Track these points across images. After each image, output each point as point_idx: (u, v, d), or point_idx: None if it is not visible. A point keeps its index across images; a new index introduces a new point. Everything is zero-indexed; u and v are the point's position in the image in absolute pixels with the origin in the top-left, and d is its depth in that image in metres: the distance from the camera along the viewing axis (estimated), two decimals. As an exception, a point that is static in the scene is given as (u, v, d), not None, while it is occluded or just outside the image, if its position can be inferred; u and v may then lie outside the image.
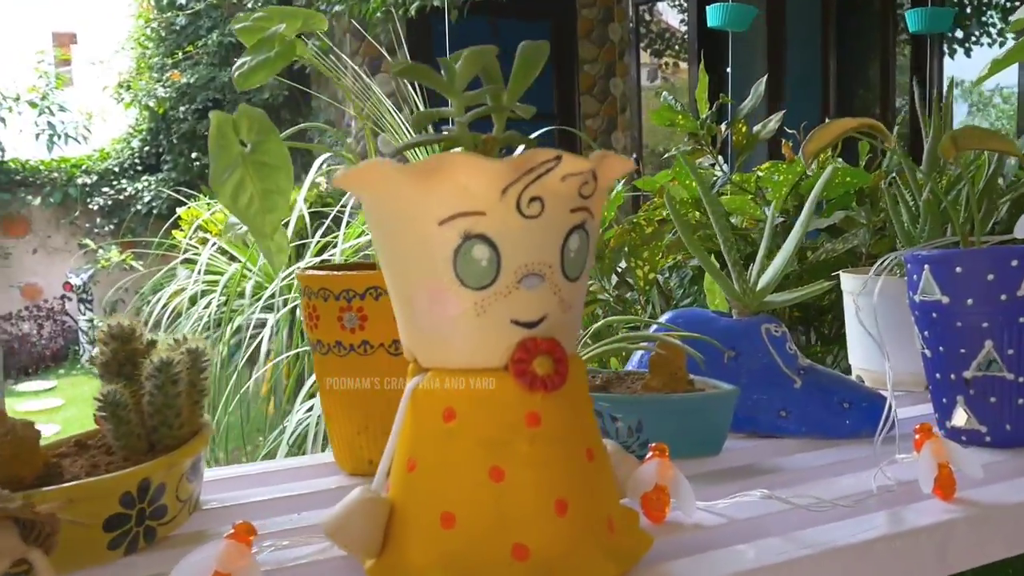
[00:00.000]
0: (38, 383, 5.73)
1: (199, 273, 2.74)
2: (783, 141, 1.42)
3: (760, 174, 1.07)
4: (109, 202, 6.58)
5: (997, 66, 0.97)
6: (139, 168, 6.61)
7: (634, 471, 0.51)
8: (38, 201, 6.54)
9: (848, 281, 0.85)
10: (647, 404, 0.62)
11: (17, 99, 6.57)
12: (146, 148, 6.53)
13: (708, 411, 0.63)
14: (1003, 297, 0.61)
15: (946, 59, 3.88)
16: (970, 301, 0.62)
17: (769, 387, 0.70)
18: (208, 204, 3.05)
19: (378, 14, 3.94)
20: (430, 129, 0.48)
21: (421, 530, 0.43)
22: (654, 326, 0.75)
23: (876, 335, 0.64)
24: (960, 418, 0.65)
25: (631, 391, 0.66)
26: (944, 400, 0.66)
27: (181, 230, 3.40)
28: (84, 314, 6.40)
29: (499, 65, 0.47)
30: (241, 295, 2.43)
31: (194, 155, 5.98)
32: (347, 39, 4.93)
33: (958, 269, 0.62)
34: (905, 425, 0.70)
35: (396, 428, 0.45)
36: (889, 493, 0.54)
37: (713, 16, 1.35)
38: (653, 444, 0.52)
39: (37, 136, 6.54)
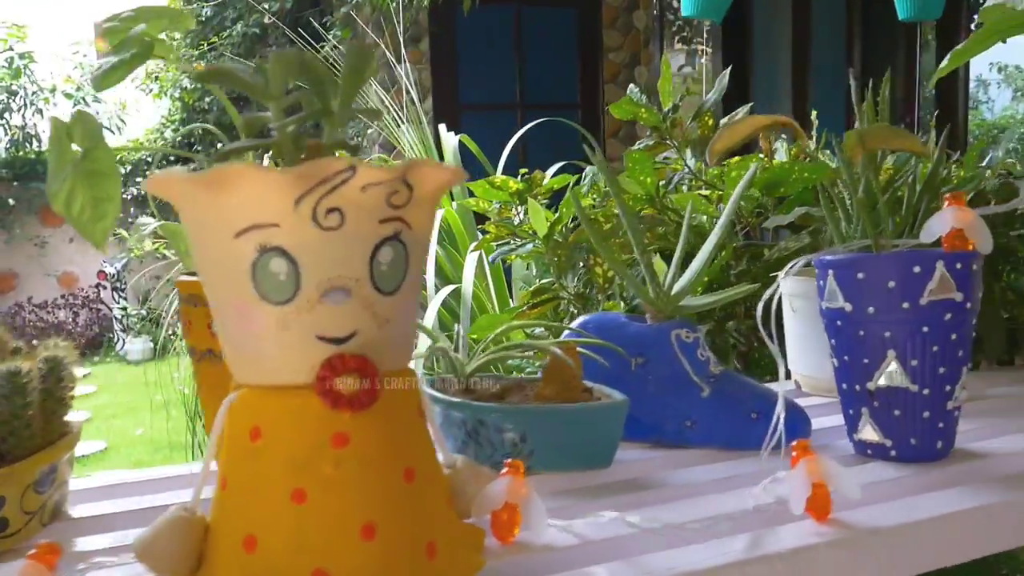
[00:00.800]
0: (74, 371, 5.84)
1: None
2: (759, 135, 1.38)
3: (715, 171, 1.04)
4: (143, 192, 6.68)
5: (957, 57, 0.92)
6: (172, 159, 6.70)
7: (484, 488, 0.49)
8: (74, 191, 6.66)
9: (785, 283, 0.82)
10: (531, 415, 0.60)
11: (53, 90, 6.70)
12: (179, 139, 6.62)
13: (595, 422, 0.61)
14: (905, 305, 0.58)
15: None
16: (872, 309, 0.59)
17: (676, 395, 0.67)
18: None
19: (393, 3, 3.91)
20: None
21: (226, 552, 0.42)
22: (565, 331, 0.73)
23: (774, 341, 0.61)
24: (866, 431, 0.61)
25: (527, 400, 0.64)
26: (851, 412, 0.62)
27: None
28: (118, 302, 6.52)
29: (323, 68, 0.45)
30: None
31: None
32: (369, 29, 4.93)
33: (860, 275, 0.59)
34: (822, 437, 0.68)
35: (210, 446, 0.44)
36: (761, 513, 0.52)
37: (687, 5, 1.31)
38: (508, 460, 0.50)
39: (72, 127, 6.65)
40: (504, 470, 0.50)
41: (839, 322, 0.61)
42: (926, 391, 0.59)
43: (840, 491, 0.51)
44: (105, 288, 6.69)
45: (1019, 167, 1.09)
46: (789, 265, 0.63)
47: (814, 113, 1.25)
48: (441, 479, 0.46)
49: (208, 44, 4.81)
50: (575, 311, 1.13)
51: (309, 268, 0.40)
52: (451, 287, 1.65)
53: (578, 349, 0.69)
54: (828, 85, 4.25)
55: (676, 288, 0.71)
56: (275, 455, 0.41)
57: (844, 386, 0.62)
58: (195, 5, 4.88)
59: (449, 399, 0.63)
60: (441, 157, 2.15)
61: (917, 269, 0.57)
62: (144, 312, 6.15)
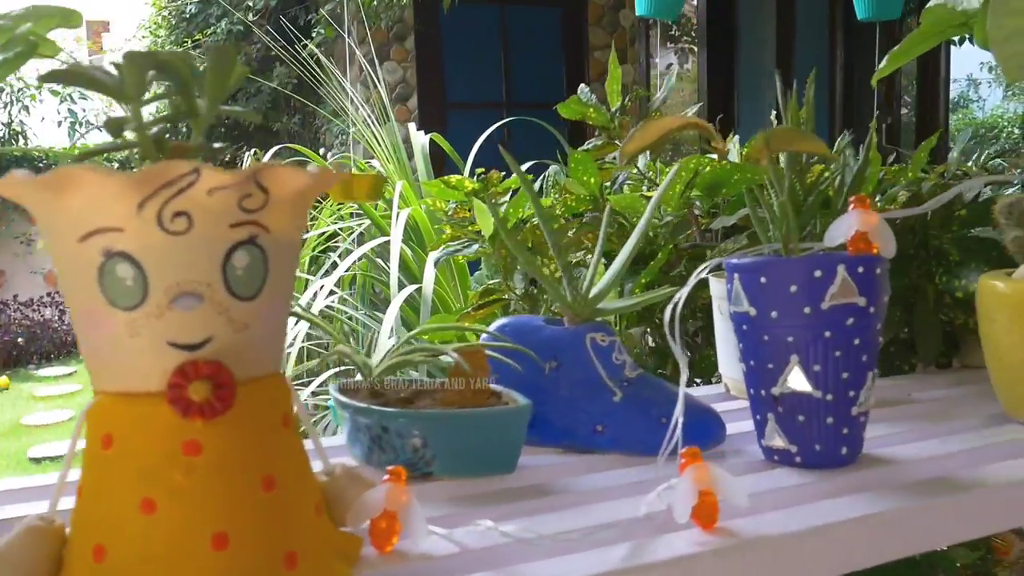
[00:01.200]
0: (59, 368, 5.82)
1: None
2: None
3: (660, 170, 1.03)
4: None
5: (896, 58, 0.92)
6: (160, 156, 6.68)
7: (362, 496, 0.48)
8: (60, 189, 6.64)
9: (714, 285, 0.81)
10: (431, 420, 0.59)
11: (40, 87, 6.67)
12: (167, 135, 6.59)
13: (496, 427, 0.60)
14: (807, 310, 0.57)
15: (954, 48, 3.76)
16: (775, 314, 0.58)
17: (588, 400, 0.66)
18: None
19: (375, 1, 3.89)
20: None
21: (77, 562, 0.41)
22: (484, 334, 0.72)
23: (676, 342, 0.60)
24: (772, 437, 0.61)
25: (435, 404, 0.63)
26: (759, 417, 0.62)
27: None
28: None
29: (185, 69, 0.44)
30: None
31: (215, 144, 6.03)
32: (355, 26, 4.92)
33: (763, 280, 0.58)
34: (739, 441, 0.67)
35: (68, 453, 0.43)
36: (651, 521, 0.51)
37: (640, 5, 1.30)
38: (390, 468, 0.49)
39: (59, 124, 6.64)
40: (385, 477, 0.49)
41: (745, 326, 0.60)
42: (829, 397, 0.58)
43: (728, 499, 0.50)
44: (91, 286, 6.66)
45: (1007, 167, 1.09)
46: (699, 269, 0.63)
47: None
48: (310, 487, 0.45)
49: (192, 41, 4.80)
50: (524, 312, 1.13)
51: (156, 273, 0.39)
52: (413, 287, 1.64)
53: (488, 353, 0.68)
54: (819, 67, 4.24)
55: (594, 291, 0.70)
56: (126, 463, 0.40)
57: (752, 391, 0.61)
58: (179, 2, 4.86)
59: (354, 404, 0.62)
60: (410, 156, 2.14)
61: (818, 273, 0.56)
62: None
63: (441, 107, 5.05)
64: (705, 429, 0.65)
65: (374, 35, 4.96)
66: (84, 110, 6.70)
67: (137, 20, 5.63)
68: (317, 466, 0.48)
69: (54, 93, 6.70)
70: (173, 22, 4.97)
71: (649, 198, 1.06)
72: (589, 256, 1.10)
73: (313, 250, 2.12)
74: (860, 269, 0.56)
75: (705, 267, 0.62)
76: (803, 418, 0.59)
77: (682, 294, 0.63)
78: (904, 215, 0.61)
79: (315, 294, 1.69)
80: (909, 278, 0.87)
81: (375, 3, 3.89)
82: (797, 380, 0.58)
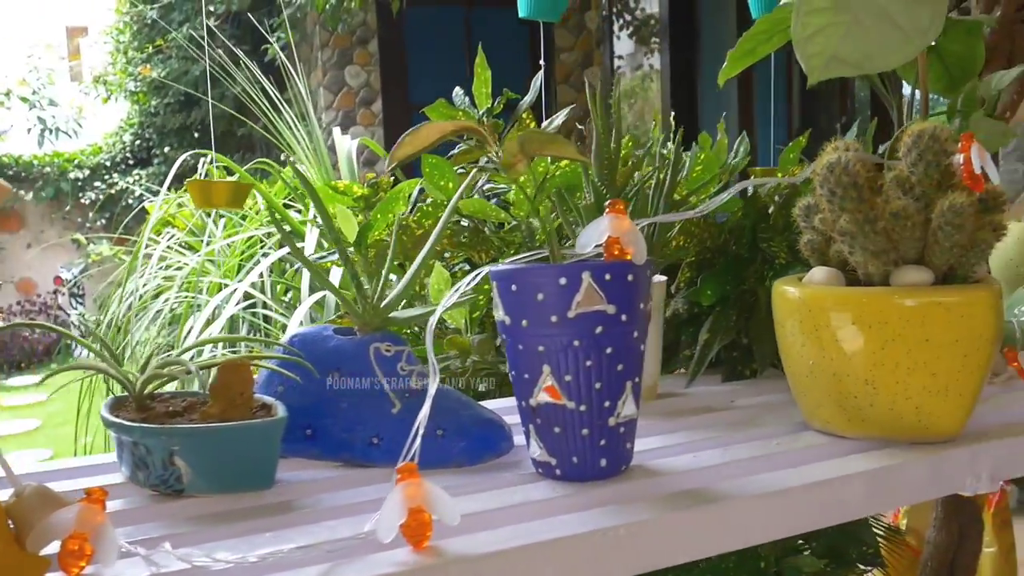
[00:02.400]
0: (29, 378, 5.79)
1: (160, 268, 2.73)
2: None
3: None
4: (101, 196, 6.63)
5: (736, 60, 0.90)
6: (131, 162, 6.65)
7: (50, 517, 0.46)
8: (30, 196, 6.61)
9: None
10: (177, 436, 0.57)
11: (8, 94, 6.64)
12: (137, 142, 6.57)
13: (245, 442, 0.58)
14: (554, 319, 0.55)
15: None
16: (525, 322, 0.56)
17: (367, 412, 0.65)
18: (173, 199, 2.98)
19: (328, 5, 3.87)
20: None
21: None
22: (277, 347, 0.70)
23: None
24: (535, 449, 0.59)
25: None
26: (525, 429, 0.60)
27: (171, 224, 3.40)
28: (76, 308, 6.47)
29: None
30: (199, 290, 2.41)
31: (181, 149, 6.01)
32: (317, 30, 4.90)
33: (513, 288, 0.56)
34: (524, 453, 0.65)
35: None
36: (367, 540, 0.49)
37: (521, 6, 1.28)
38: (88, 488, 0.47)
39: (28, 131, 6.61)
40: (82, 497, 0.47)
41: (504, 335, 0.59)
42: (583, 407, 0.56)
43: (441, 517, 0.48)
44: (63, 294, 6.64)
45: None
46: (471, 276, 0.61)
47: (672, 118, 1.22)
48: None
49: (154, 47, 4.77)
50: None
51: None
52: (319, 294, 1.63)
53: (270, 365, 0.67)
54: (769, 75, 4.24)
55: (385, 300, 0.69)
56: None
57: (518, 402, 0.60)
58: (140, 8, 4.84)
59: (113, 421, 0.60)
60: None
61: (563, 281, 0.55)
62: (101, 318, 6.11)
63: (405, 109, 5.03)
64: (484, 440, 0.64)
65: (337, 39, 4.95)
66: (54, 117, 6.68)
67: (102, 26, 5.60)
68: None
69: (23, 100, 6.67)
70: (135, 28, 4.95)
71: (506, 203, 1.04)
72: (457, 263, 1.08)
73: (240, 256, 2.10)
74: (608, 276, 0.55)
75: (477, 274, 0.61)
76: (559, 430, 0.57)
77: (447, 302, 0.61)
78: (672, 219, 0.60)
79: (227, 298, 1.67)
80: (747, 283, 0.86)
81: (328, 7, 3.86)
82: (549, 390, 0.57)
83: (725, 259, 0.87)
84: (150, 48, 4.86)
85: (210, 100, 1.87)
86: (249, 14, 4.52)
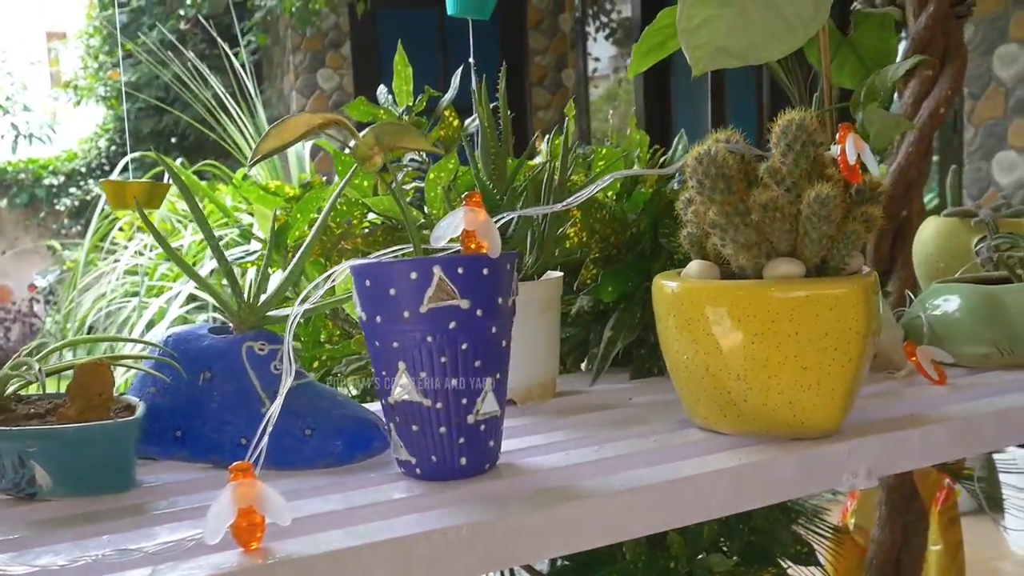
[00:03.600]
0: (4, 385, 5.73)
1: (129, 273, 2.70)
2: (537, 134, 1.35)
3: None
4: (76, 203, 6.59)
5: (642, 55, 0.89)
6: (106, 168, 6.61)
7: None
8: (5, 203, 6.56)
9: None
10: (28, 437, 0.56)
11: (-20, 99, 6.59)
12: (113, 148, 6.53)
13: (99, 443, 0.57)
14: (406, 314, 0.54)
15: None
16: (379, 318, 0.55)
17: (237, 412, 0.63)
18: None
19: (295, 7, 3.86)
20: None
21: None
22: (152, 347, 0.69)
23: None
24: (397, 448, 0.58)
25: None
26: (387, 428, 0.59)
27: (122, 230, 3.37)
28: (50, 315, 6.41)
29: None
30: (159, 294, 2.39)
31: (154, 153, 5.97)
32: (288, 34, 4.88)
33: (367, 283, 0.55)
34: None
35: None
36: (191, 544, 0.48)
37: (449, 5, 1.27)
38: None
39: (2, 137, 6.56)
40: None
41: (364, 333, 0.57)
42: (439, 405, 0.55)
43: (273, 518, 0.47)
44: (38, 301, 6.58)
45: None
46: (333, 271, 0.60)
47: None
48: None
49: (124, 50, 4.75)
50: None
51: None
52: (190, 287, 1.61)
53: (138, 365, 0.65)
54: (744, 82, 4.25)
55: (263, 297, 0.67)
56: None
57: (380, 400, 0.58)
58: (110, 12, 4.81)
59: (-31, 422, 0.58)
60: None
61: (414, 275, 0.53)
62: (75, 325, 6.06)
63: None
64: (357, 439, 0.62)
65: (308, 42, 4.93)
66: (27, 122, 6.63)
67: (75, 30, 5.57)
68: None
69: (-1, 107, 6.62)
70: (105, 32, 4.92)
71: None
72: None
73: (194, 258, 2.08)
74: (460, 270, 0.54)
75: (338, 269, 0.59)
76: (416, 428, 0.56)
77: (313, 299, 0.60)
78: (537, 212, 0.58)
79: (170, 300, 1.65)
80: (651, 279, 0.85)
81: (294, 9, 3.85)
82: (406, 388, 0.55)
83: (630, 256, 0.86)
84: (120, 52, 4.83)
85: (192, 107, 1.86)
86: (210, 20, 4.50)
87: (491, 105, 0.80)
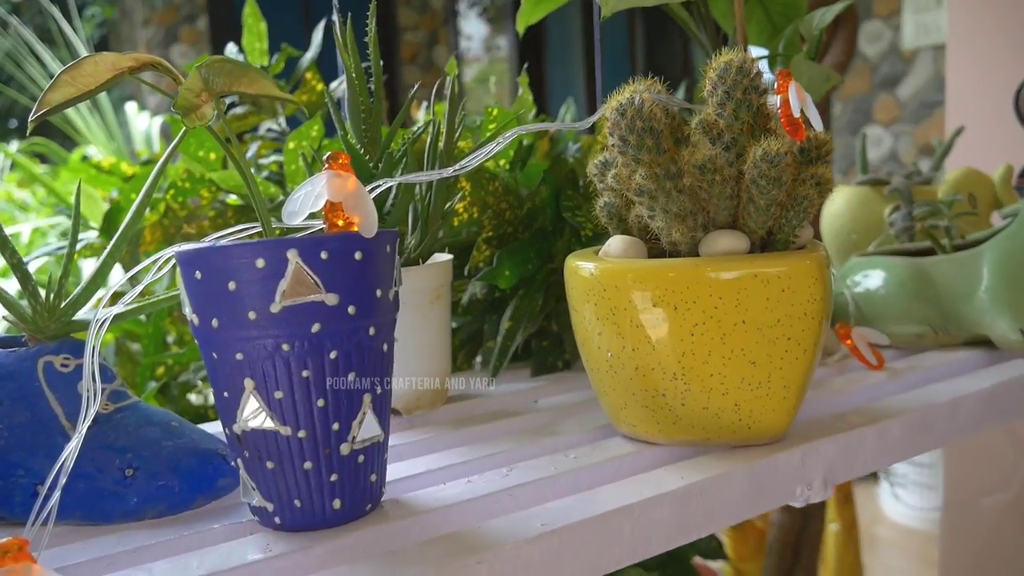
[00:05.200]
0: None
1: None
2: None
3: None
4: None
5: (532, 5, 0.77)
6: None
7: None
8: None
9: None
10: None
11: None
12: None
13: None
14: (252, 315, 0.40)
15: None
16: (216, 322, 0.41)
17: (32, 450, 0.48)
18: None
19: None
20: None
21: None
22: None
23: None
24: (247, 491, 0.44)
25: None
26: (233, 464, 0.45)
27: None
28: None
29: None
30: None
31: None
32: (138, 5, 4.52)
33: (198, 274, 0.41)
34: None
35: None
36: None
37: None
38: None
39: None
40: None
41: (196, 340, 0.43)
42: (302, 433, 0.42)
43: None
44: None
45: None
46: (152, 259, 0.45)
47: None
48: None
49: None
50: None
51: None
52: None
53: None
54: (618, 54, 4.21)
55: (68, 299, 0.52)
56: None
57: (223, 429, 0.45)
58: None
59: None
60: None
61: (261, 263, 0.40)
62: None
63: (241, 92, 4.72)
64: (194, 478, 0.48)
65: (161, 15, 4.58)
66: None
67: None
68: None
69: None
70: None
71: (276, 175, 0.88)
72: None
73: (26, 250, 1.83)
74: (324, 254, 0.40)
75: (160, 257, 0.45)
76: (273, 465, 0.42)
77: (128, 297, 0.45)
78: (420, 179, 0.46)
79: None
80: (554, 260, 0.73)
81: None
82: (255, 413, 0.42)
83: (529, 234, 0.74)
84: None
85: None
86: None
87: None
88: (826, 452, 0.52)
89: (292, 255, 0.40)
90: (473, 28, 5.31)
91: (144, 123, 1.86)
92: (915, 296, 0.74)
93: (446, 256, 0.65)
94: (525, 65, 0.95)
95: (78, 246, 0.94)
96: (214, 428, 0.62)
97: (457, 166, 0.47)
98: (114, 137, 1.88)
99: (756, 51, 0.83)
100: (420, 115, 1.06)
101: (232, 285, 0.40)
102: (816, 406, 0.60)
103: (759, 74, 0.49)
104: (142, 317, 0.90)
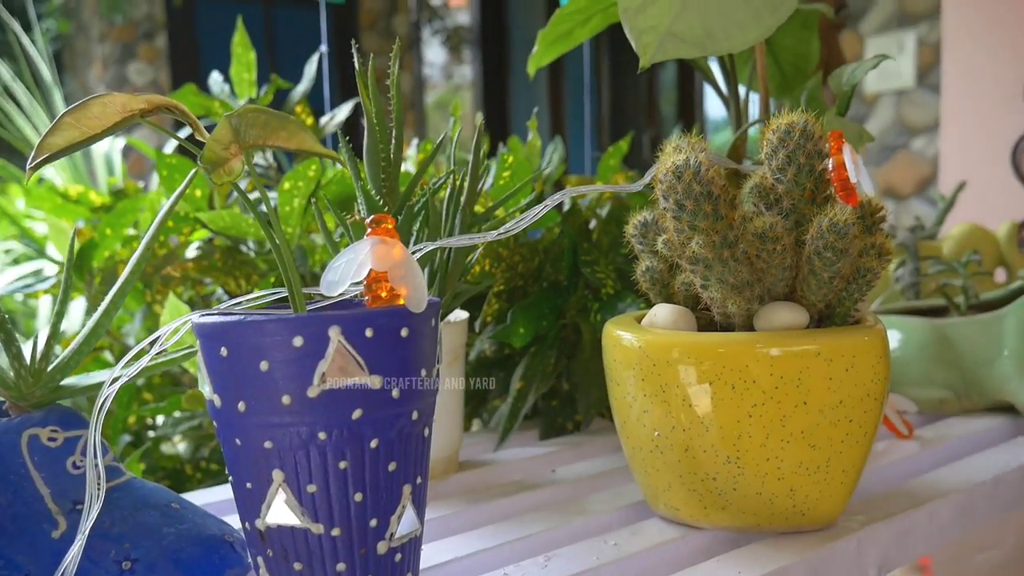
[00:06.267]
0: None
1: None
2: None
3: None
4: None
5: (547, 46, 0.74)
6: None
7: None
8: None
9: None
10: None
11: None
12: None
13: None
14: (286, 400, 0.36)
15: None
16: (243, 405, 0.36)
17: (15, 538, 0.42)
18: None
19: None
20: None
21: None
22: None
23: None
24: (267, 592, 0.39)
25: None
26: (252, 563, 0.40)
27: None
28: None
29: None
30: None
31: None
32: (95, 20, 4.41)
33: (224, 351, 0.36)
34: None
35: None
36: None
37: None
38: None
39: None
40: None
41: (216, 423, 0.39)
42: (336, 531, 0.37)
43: None
44: None
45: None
46: (162, 331, 0.40)
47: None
48: None
49: None
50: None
51: None
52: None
53: None
54: (579, 85, 4.22)
55: (55, 362, 0.46)
56: None
57: (241, 523, 0.40)
58: None
59: None
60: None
61: (299, 341, 0.35)
62: None
63: (199, 113, 4.63)
64: (198, 570, 0.43)
65: (119, 32, 4.48)
66: None
67: None
68: None
69: None
70: None
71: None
72: (210, 293, 0.85)
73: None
74: (369, 332, 0.36)
75: (170, 328, 0.40)
76: (301, 566, 0.37)
77: (141, 363, 0.40)
78: (472, 241, 0.42)
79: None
80: (567, 316, 0.70)
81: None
82: (283, 507, 0.37)
83: (540, 288, 0.70)
84: None
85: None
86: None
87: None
88: (880, 537, 0.49)
89: (334, 333, 0.35)
90: (434, 55, 5.30)
91: (104, 144, 1.77)
92: (937, 360, 0.72)
93: (463, 314, 0.61)
94: (536, 110, 0.91)
95: (45, 284, 0.88)
96: (206, 496, 0.57)
97: (503, 229, 0.43)
98: (71, 157, 1.80)
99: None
100: (410, 151, 1.02)
101: (264, 365, 0.35)
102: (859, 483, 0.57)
103: (822, 138, 0.46)
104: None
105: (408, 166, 0.97)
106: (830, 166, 0.47)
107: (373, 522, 0.37)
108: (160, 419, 0.86)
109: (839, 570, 0.47)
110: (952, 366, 0.72)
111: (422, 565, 0.46)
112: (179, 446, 0.89)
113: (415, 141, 1.03)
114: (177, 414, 0.82)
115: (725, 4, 0.57)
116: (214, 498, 0.57)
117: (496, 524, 0.51)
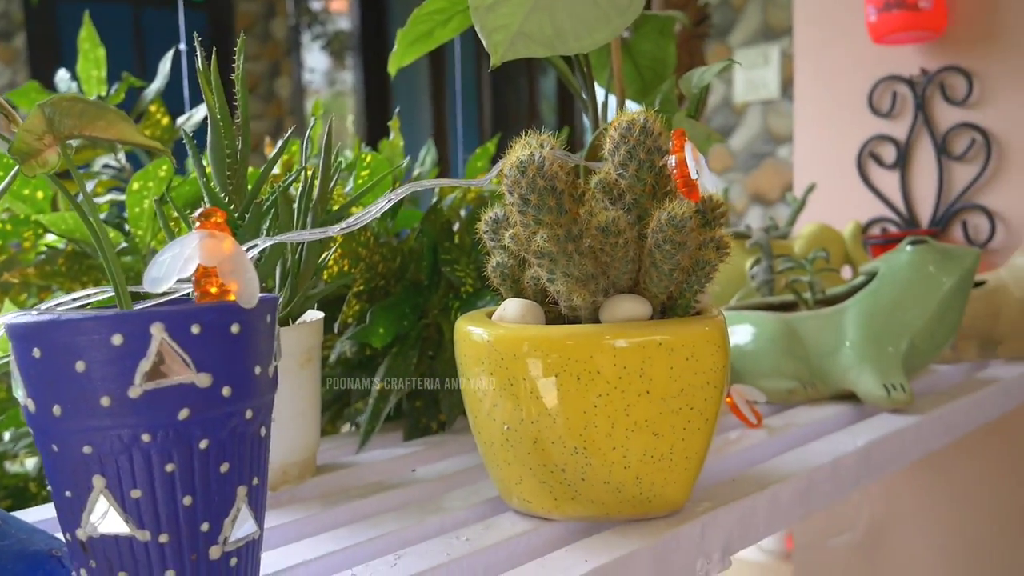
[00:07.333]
0: None
1: None
2: (267, 139, 1.16)
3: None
4: None
5: (406, 46, 0.74)
6: None
7: None
8: None
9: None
10: None
11: None
12: None
13: None
14: (106, 401, 0.34)
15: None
16: (58, 409, 0.34)
17: None
18: None
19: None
20: None
21: None
22: None
23: None
24: (92, 606, 0.37)
25: None
26: (75, 574, 0.38)
27: None
28: None
29: None
30: None
31: None
32: (-56, 19, 4.13)
33: (37, 352, 0.34)
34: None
35: None
36: None
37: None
38: None
39: None
40: None
41: (32, 430, 0.36)
42: (163, 537, 0.35)
43: None
44: None
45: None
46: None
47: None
48: None
49: None
50: None
51: None
52: None
53: None
54: (466, 89, 4.23)
55: None
56: None
57: (63, 533, 0.38)
58: None
59: None
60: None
61: (118, 339, 0.34)
62: None
63: (62, 117, 4.39)
64: (23, 588, 0.40)
65: (-29, 30, 4.21)
66: None
67: None
68: None
69: None
70: None
71: (122, 220, 0.80)
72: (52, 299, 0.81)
73: None
74: (196, 328, 0.35)
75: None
76: (125, 575, 0.36)
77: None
78: (310, 238, 0.41)
79: None
80: (428, 315, 0.69)
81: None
82: (107, 515, 0.35)
83: (402, 288, 0.70)
84: None
85: None
86: None
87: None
88: (723, 521, 0.51)
89: (157, 330, 0.34)
90: (316, 60, 5.21)
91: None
92: (786, 353, 0.75)
93: (317, 314, 0.59)
94: (398, 109, 0.91)
95: None
96: (45, 512, 0.54)
97: (344, 224, 0.43)
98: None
99: (632, 106, 0.83)
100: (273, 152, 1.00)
101: (80, 366, 0.34)
102: (703, 469, 0.59)
103: (662, 134, 0.47)
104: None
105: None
106: (672, 163, 0.49)
107: (204, 526, 0.36)
108: (8, 435, 0.81)
109: (685, 553, 0.48)
110: (800, 358, 0.76)
111: (269, 570, 0.44)
112: (27, 463, 0.84)
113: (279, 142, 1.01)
114: (22, 429, 0.77)
115: (574, 5, 0.58)
116: (52, 513, 0.54)
117: (350, 526, 0.50)
